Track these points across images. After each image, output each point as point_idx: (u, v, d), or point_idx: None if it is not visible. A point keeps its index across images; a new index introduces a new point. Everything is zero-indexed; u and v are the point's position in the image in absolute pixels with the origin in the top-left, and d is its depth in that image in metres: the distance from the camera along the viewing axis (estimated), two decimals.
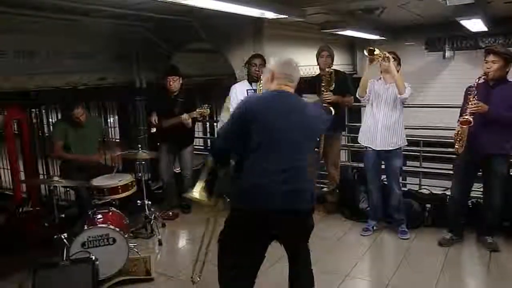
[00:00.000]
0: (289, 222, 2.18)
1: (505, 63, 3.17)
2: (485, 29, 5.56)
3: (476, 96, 3.16)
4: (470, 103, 3.16)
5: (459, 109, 3.45)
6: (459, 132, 3.26)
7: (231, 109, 4.14)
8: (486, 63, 3.21)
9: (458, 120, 3.27)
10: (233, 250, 2.27)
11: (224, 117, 4.13)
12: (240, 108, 2.25)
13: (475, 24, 5.17)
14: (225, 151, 2.31)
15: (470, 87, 3.27)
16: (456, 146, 3.32)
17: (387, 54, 3.53)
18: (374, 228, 3.94)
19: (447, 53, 7.24)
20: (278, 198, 2.11)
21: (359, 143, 4.01)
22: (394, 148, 3.68)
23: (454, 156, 3.56)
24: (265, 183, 2.11)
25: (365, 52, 3.51)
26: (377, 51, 3.48)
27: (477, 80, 3.22)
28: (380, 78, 3.74)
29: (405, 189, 4.47)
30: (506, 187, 3.42)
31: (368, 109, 3.80)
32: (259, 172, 2.13)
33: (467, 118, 3.15)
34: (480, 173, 3.50)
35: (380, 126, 3.66)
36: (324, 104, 4.04)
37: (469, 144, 3.25)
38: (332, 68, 4.14)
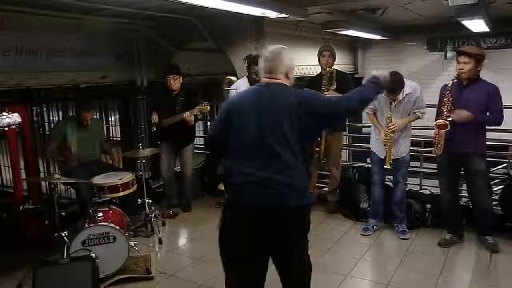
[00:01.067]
0: (272, 219, 2.09)
1: (476, 63, 3.25)
2: (486, 29, 5.55)
3: (450, 98, 3.27)
4: (453, 110, 3.25)
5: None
6: (437, 136, 3.35)
7: None
8: (458, 64, 3.30)
9: (435, 124, 3.33)
10: (227, 243, 2.26)
11: None
12: (222, 107, 2.29)
13: (476, 25, 5.16)
14: (213, 144, 2.36)
15: (445, 85, 3.36)
16: (435, 149, 3.41)
17: (392, 128, 3.56)
18: (374, 227, 3.95)
19: (449, 53, 7.24)
20: (257, 195, 2.07)
21: (359, 143, 4.02)
22: (403, 155, 3.71)
23: (433, 156, 3.62)
24: (242, 181, 2.10)
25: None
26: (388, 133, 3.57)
27: (451, 82, 3.31)
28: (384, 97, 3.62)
29: (406, 189, 4.47)
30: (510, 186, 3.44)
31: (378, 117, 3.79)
32: (237, 173, 2.12)
33: (443, 122, 3.25)
34: (462, 172, 3.57)
35: (387, 149, 3.65)
36: None
37: (447, 144, 3.34)
38: (333, 68, 4.14)
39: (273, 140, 2.07)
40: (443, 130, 3.28)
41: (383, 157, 3.72)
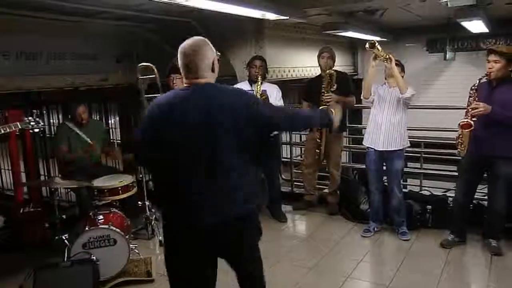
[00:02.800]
0: (217, 233, 1.90)
1: (507, 63, 3.15)
2: (486, 30, 5.55)
3: (477, 98, 3.16)
4: (471, 105, 3.16)
5: (459, 110, 3.44)
6: (460, 136, 3.26)
7: None
8: (488, 63, 3.21)
9: (459, 124, 3.25)
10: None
11: None
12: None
13: (476, 26, 5.17)
14: None
15: (472, 88, 3.25)
16: (458, 150, 3.32)
17: (390, 55, 3.56)
18: (375, 229, 3.94)
19: (448, 54, 7.24)
20: (199, 212, 1.87)
21: (360, 144, 4.02)
22: (397, 148, 3.69)
23: (456, 157, 3.55)
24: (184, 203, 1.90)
25: (366, 45, 3.52)
26: (378, 46, 3.48)
27: (478, 80, 3.22)
28: (384, 83, 3.76)
29: (406, 190, 4.47)
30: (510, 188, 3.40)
31: (372, 111, 3.82)
32: (173, 196, 1.94)
33: (467, 121, 3.15)
34: (485, 175, 3.48)
35: (383, 127, 3.68)
36: (325, 106, 4.04)
37: (473, 146, 3.24)
38: (333, 69, 4.15)
39: (206, 145, 1.85)
40: (466, 130, 3.17)
41: (379, 149, 3.71)
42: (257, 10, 3.51)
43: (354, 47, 7.99)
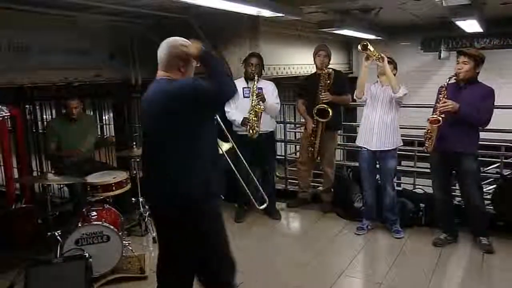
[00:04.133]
0: (163, 220, 2.18)
1: (475, 64, 3.29)
2: (480, 30, 5.58)
3: (446, 96, 3.29)
4: (440, 102, 3.28)
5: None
6: (429, 131, 3.37)
7: (226, 105, 4.13)
8: (457, 64, 3.34)
9: (428, 119, 3.36)
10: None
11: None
12: None
13: (470, 25, 5.19)
14: None
15: (441, 87, 3.38)
16: (426, 145, 3.43)
17: (382, 54, 3.58)
18: (368, 227, 3.96)
19: (443, 54, 7.28)
20: (152, 197, 2.19)
21: (354, 142, 4.03)
22: (390, 148, 3.70)
23: (427, 155, 3.64)
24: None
25: (359, 47, 3.54)
26: (371, 48, 3.52)
27: (447, 80, 3.34)
28: (377, 82, 3.78)
29: (400, 188, 4.49)
30: (503, 186, 3.46)
31: (365, 111, 3.83)
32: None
33: (436, 117, 3.27)
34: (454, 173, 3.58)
35: (376, 127, 3.69)
36: (321, 105, 4.05)
37: (440, 143, 3.35)
38: (330, 68, 4.15)
39: (161, 134, 2.07)
40: (435, 125, 3.30)
41: (372, 149, 3.73)
42: (253, 7, 3.50)
43: (349, 45, 8.01)
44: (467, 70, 3.29)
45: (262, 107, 3.98)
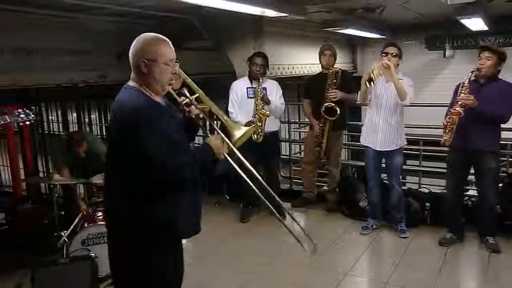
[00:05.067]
0: None
1: (498, 61, 3.24)
2: (485, 28, 5.55)
3: (468, 90, 3.23)
4: (461, 95, 3.22)
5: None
6: (449, 123, 3.28)
7: (230, 106, 4.15)
8: (480, 59, 3.28)
9: (447, 114, 3.29)
10: None
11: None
12: None
13: (475, 23, 5.17)
14: None
15: (460, 83, 3.33)
16: (445, 138, 3.34)
17: (386, 63, 3.46)
18: (373, 226, 3.94)
19: (448, 52, 7.23)
20: None
21: (359, 141, 4.02)
22: (394, 149, 3.69)
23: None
24: None
25: (366, 84, 3.44)
26: (375, 71, 3.39)
27: (469, 75, 3.27)
28: (380, 75, 3.59)
29: (405, 188, 4.46)
30: (509, 185, 3.42)
31: (369, 110, 3.80)
32: None
33: (457, 110, 3.21)
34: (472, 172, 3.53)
35: (381, 128, 3.66)
36: (330, 103, 4.03)
37: (458, 141, 3.30)
38: (335, 67, 4.13)
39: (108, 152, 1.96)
40: (455, 117, 3.21)
41: (377, 149, 3.70)
42: (257, 7, 3.50)
43: (353, 44, 7.99)
44: (489, 66, 3.22)
45: (267, 112, 3.94)
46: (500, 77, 3.33)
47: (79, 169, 3.84)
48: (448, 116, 3.29)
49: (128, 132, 1.71)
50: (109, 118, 1.93)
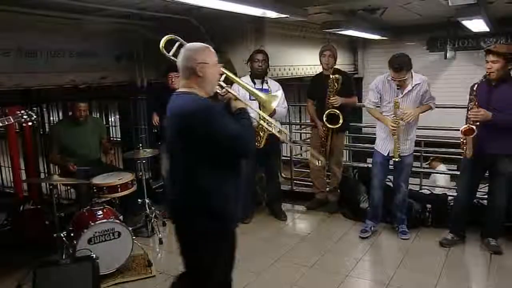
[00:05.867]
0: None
1: (505, 62, 3.15)
2: (486, 29, 5.55)
3: (477, 102, 3.15)
4: (471, 110, 3.16)
5: (460, 109, 3.43)
6: (464, 141, 3.24)
7: None
8: (486, 63, 3.21)
9: (460, 130, 3.22)
10: None
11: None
12: None
13: (476, 25, 5.16)
14: None
15: (473, 85, 3.23)
16: (464, 153, 3.29)
17: (407, 117, 3.46)
18: (372, 228, 3.90)
19: (449, 53, 7.23)
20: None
21: (360, 143, 4.01)
22: (405, 155, 3.66)
23: (457, 156, 3.55)
24: None
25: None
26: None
27: (479, 81, 3.21)
28: (391, 79, 3.52)
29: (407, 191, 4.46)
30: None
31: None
32: None
33: (468, 127, 3.15)
34: (487, 174, 3.48)
35: (394, 140, 3.57)
36: (332, 110, 4.03)
37: (476, 145, 3.23)
38: (337, 74, 4.09)
39: (171, 150, 2.15)
40: (470, 136, 3.17)
41: (387, 155, 3.67)
42: (258, 8, 3.51)
43: (354, 45, 7.99)
44: (497, 69, 3.13)
45: (270, 128, 3.90)
46: None
47: (74, 136, 3.98)
48: (462, 137, 3.22)
49: (204, 128, 1.91)
50: (167, 133, 2.10)
